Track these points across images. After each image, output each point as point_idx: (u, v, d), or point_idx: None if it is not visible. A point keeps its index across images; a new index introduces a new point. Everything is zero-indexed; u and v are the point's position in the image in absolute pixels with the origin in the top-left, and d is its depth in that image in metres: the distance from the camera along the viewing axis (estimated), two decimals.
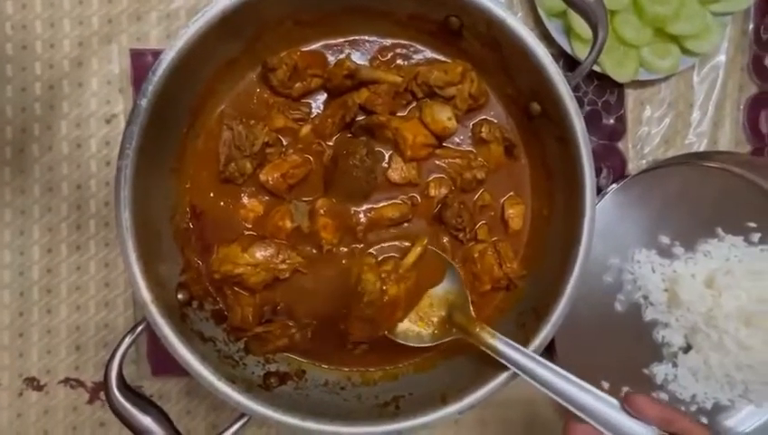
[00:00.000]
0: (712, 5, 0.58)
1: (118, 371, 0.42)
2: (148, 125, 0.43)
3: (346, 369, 0.51)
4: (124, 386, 0.42)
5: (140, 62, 0.57)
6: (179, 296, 0.46)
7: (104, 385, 0.42)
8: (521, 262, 0.51)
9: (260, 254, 0.47)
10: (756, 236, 0.60)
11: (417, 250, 0.47)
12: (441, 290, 0.47)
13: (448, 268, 0.47)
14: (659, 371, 0.60)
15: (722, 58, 0.62)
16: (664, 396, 0.60)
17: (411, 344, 0.46)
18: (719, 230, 0.60)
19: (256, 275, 0.47)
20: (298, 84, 0.49)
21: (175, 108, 0.46)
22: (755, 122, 0.63)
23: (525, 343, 0.44)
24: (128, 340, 0.43)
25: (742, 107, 0.62)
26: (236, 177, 0.49)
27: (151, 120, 0.43)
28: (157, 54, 0.43)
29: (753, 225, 0.61)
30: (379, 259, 0.47)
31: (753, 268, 0.58)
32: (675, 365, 0.60)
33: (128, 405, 0.41)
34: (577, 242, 0.45)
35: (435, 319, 0.46)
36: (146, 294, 0.42)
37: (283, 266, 0.48)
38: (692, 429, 0.37)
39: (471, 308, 0.45)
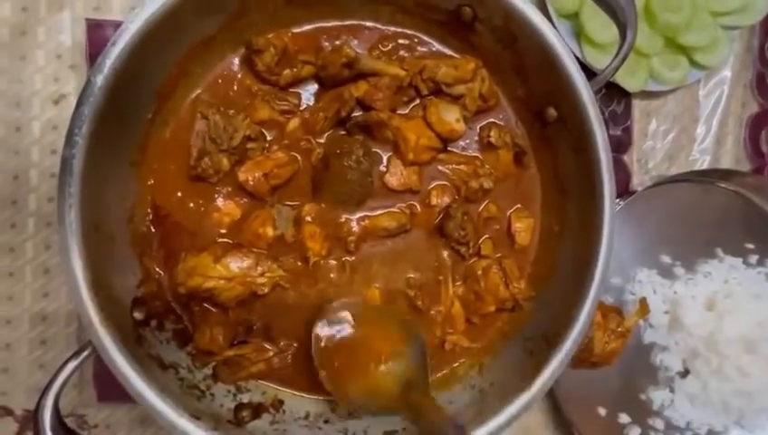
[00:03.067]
0: (722, 18, 0.56)
1: (53, 405, 0.35)
2: (104, 107, 0.36)
3: (330, 398, 0.45)
4: (60, 425, 0.34)
5: (98, 36, 0.49)
6: (135, 315, 0.39)
7: (34, 424, 0.34)
8: (527, 281, 0.47)
9: (235, 265, 0.41)
10: (754, 259, 0.59)
11: (639, 312, 0.48)
12: (397, 364, 0.39)
13: (412, 340, 0.40)
14: (656, 396, 0.58)
15: (727, 73, 0.60)
16: (660, 423, 0.58)
17: (359, 411, 0.40)
18: (719, 251, 0.59)
19: (230, 289, 0.41)
20: (287, 71, 0.43)
21: (138, 89, 0.39)
22: (756, 141, 0.61)
23: (536, 371, 0.40)
24: (70, 367, 0.36)
25: (744, 125, 0.61)
26: (210, 174, 0.42)
27: (108, 101, 0.36)
28: (118, 27, 0.36)
29: (751, 246, 0.59)
30: (605, 317, 0.46)
31: (752, 291, 0.57)
32: (672, 390, 0.57)
33: None
34: (593, 263, 0.41)
35: (388, 393, 0.38)
36: (93, 313, 0.35)
37: (263, 281, 0.41)
38: None
39: (428, 387, 0.39)
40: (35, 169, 0.50)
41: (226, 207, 0.43)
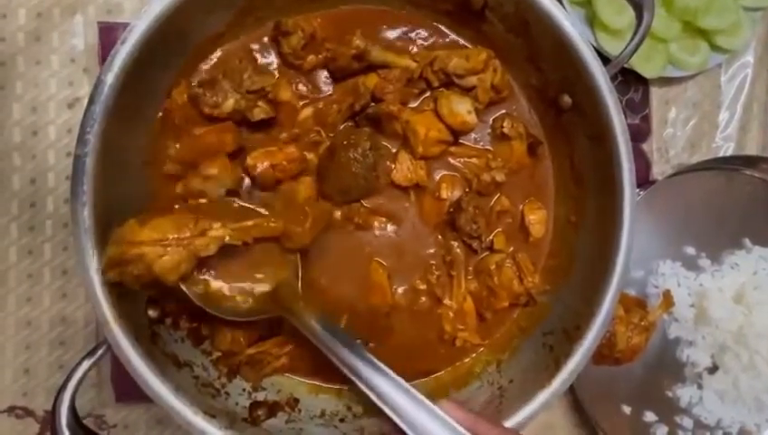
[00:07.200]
0: (744, 0, 0.54)
1: (70, 403, 0.35)
2: (114, 106, 0.36)
3: (346, 387, 0.44)
4: (77, 423, 0.34)
5: (110, 39, 0.50)
6: (150, 313, 0.39)
7: (51, 422, 0.34)
8: (542, 275, 0.46)
9: (168, 226, 0.34)
10: None
11: (663, 305, 0.47)
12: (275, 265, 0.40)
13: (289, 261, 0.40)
14: (683, 393, 0.55)
15: (749, 58, 0.58)
16: (688, 421, 0.55)
17: (222, 315, 0.38)
18: (746, 241, 0.57)
19: (165, 254, 0.33)
20: (311, 57, 0.42)
21: (148, 87, 0.39)
22: None
23: (556, 366, 0.39)
24: (85, 365, 0.36)
25: None
26: (210, 105, 0.41)
27: (119, 100, 0.36)
28: None
29: None
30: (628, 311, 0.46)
31: None
32: (700, 387, 0.55)
33: None
34: (614, 254, 0.40)
35: (256, 292, 0.39)
36: (107, 310, 0.35)
37: (204, 241, 0.34)
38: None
39: (299, 285, 0.40)
40: (52, 172, 0.50)
41: (225, 134, 0.40)
